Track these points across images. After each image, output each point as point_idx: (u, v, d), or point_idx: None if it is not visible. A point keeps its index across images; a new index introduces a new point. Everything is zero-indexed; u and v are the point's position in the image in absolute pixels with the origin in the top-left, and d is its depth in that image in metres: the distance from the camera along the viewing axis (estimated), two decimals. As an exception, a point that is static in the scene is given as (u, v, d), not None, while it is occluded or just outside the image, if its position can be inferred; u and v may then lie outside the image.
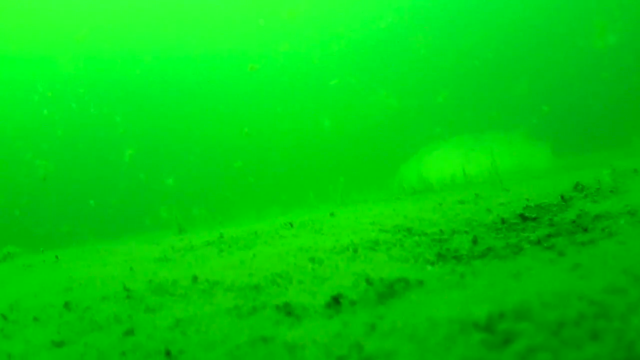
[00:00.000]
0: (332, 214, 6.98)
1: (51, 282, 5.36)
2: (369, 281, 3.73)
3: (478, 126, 21.18)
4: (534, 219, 5.17)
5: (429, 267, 4.05)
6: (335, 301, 3.42)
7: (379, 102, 29.00)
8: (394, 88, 29.53)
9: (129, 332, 3.54)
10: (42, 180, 25.74)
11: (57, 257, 7.16)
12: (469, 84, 28.73)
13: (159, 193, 24.47)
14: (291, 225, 6.49)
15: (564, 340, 2.13)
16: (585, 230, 4.43)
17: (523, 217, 5.25)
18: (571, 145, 17.65)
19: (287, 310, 3.43)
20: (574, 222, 4.78)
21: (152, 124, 29.61)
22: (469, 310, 2.64)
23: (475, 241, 4.64)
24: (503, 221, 5.21)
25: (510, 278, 3.27)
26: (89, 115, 28.92)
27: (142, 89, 30.77)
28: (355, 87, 29.77)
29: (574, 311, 2.35)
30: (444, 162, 16.99)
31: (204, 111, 30.42)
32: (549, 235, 4.48)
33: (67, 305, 4.37)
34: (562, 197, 5.79)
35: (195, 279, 4.48)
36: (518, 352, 2.12)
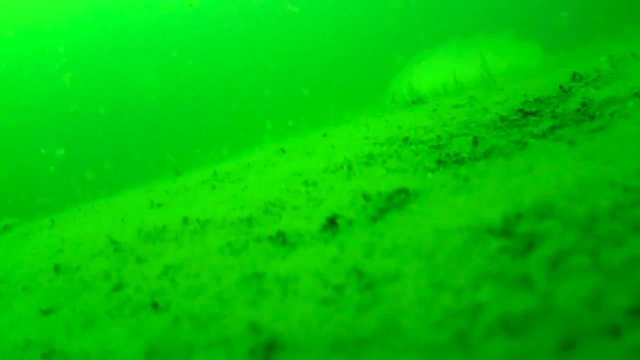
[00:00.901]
0: (324, 135, 6.71)
1: (44, 247, 5.21)
2: (366, 197, 3.45)
3: (464, 30, 20.75)
4: (535, 113, 4.88)
5: (430, 175, 3.76)
6: (331, 223, 3.15)
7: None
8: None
9: (117, 288, 3.34)
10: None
11: (52, 220, 6.99)
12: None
13: (153, 140, 24.19)
14: (283, 151, 6.23)
15: (601, 238, 1.83)
16: (592, 117, 4.16)
17: (523, 112, 4.96)
18: (561, 40, 17.26)
19: (281, 239, 3.16)
20: (578, 110, 4.51)
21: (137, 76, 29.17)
22: (480, 214, 2.35)
23: (475, 142, 4.36)
24: (502, 119, 4.92)
25: (521, 174, 2.99)
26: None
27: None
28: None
29: (607, 201, 2.04)
30: (434, 71, 16.69)
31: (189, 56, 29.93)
32: (554, 127, 4.21)
33: (57, 268, 4.21)
34: (560, 87, 5.50)
35: (185, 220, 4.24)
36: (547, 257, 1.82)
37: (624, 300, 1.50)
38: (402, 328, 1.72)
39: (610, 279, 1.61)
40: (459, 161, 3.99)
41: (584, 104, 4.61)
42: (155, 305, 2.80)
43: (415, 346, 1.60)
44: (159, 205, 5.52)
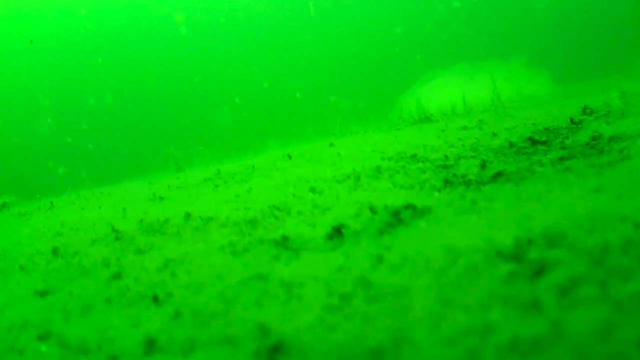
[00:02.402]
0: (331, 144, 6.70)
1: (43, 229, 5.17)
2: (372, 209, 3.45)
3: (476, 54, 20.79)
4: (544, 142, 4.89)
5: (436, 194, 3.77)
6: (337, 232, 3.15)
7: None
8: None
9: (116, 276, 3.33)
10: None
11: (52, 203, 6.96)
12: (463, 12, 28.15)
13: (158, 135, 24.16)
14: (289, 156, 6.22)
15: (611, 270, 1.84)
16: (601, 152, 4.17)
17: (532, 141, 4.97)
18: (572, 71, 17.30)
19: (285, 244, 3.16)
20: (587, 144, 4.52)
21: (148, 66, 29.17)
22: (490, 236, 2.35)
23: (483, 166, 4.37)
24: (511, 145, 4.93)
25: (530, 201, 2.99)
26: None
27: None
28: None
29: (618, 235, 2.05)
30: (443, 91, 16.70)
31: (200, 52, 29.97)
32: (562, 158, 4.22)
33: (55, 251, 4.18)
34: (571, 119, 5.51)
35: (188, 216, 4.23)
36: (557, 284, 1.83)
37: (633, 332, 1.51)
38: (412, 341, 1.72)
39: (619, 311, 1.62)
40: (466, 183, 4.00)
41: (593, 138, 4.62)
42: (155, 297, 2.80)
43: (426, 360, 1.61)
44: (161, 198, 5.50)
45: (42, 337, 2.67)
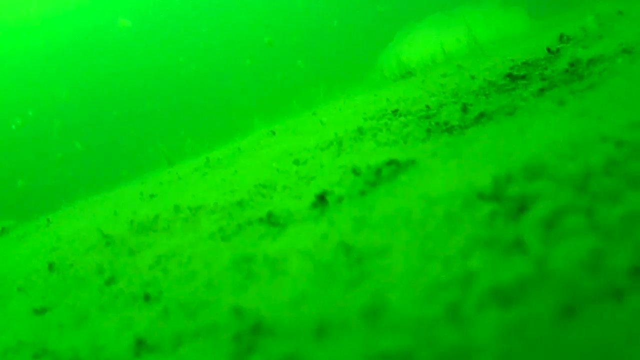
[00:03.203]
0: (314, 113, 6.63)
1: (39, 247, 5.18)
2: (355, 171, 3.38)
3: (449, 2, 20.64)
4: (524, 77, 4.81)
5: (420, 145, 3.69)
6: (321, 200, 3.08)
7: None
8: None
9: (110, 281, 3.29)
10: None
11: (48, 220, 6.94)
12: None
13: (146, 133, 24.08)
14: (273, 132, 6.16)
15: (596, 195, 1.76)
16: (581, 77, 4.10)
17: (511, 77, 4.89)
18: (548, 4, 17.15)
19: (271, 220, 3.10)
20: (567, 71, 4.44)
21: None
22: (469, 179, 2.27)
23: (465, 109, 4.29)
24: (491, 84, 4.85)
25: (511, 137, 2.91)
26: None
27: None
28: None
29: (600, 157, 1.96)
30: (422, 44, 16.59)
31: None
32: (543, 89, 4.15)
33: (51, 266, 4.16)
34: (548, 49, 5.42)
35: (176, 208, 4.18)
36: (541, 219, 1.75)
37: (624, 260, 1.43)
38: (389, 304, 1.65)
39: (608, 238, 1.54)
40: (449, 129, 3.93)
41: (572, 64, 4.55)
42: (147, 296, 2.75)
43: (404, 323, 1.53)
44: (152, 196, 5.46)
45: (37, 356, 2.62)
